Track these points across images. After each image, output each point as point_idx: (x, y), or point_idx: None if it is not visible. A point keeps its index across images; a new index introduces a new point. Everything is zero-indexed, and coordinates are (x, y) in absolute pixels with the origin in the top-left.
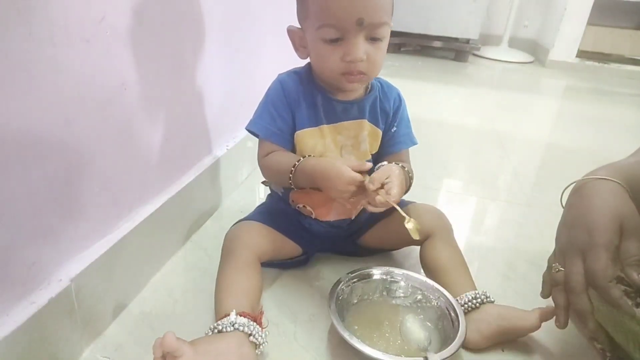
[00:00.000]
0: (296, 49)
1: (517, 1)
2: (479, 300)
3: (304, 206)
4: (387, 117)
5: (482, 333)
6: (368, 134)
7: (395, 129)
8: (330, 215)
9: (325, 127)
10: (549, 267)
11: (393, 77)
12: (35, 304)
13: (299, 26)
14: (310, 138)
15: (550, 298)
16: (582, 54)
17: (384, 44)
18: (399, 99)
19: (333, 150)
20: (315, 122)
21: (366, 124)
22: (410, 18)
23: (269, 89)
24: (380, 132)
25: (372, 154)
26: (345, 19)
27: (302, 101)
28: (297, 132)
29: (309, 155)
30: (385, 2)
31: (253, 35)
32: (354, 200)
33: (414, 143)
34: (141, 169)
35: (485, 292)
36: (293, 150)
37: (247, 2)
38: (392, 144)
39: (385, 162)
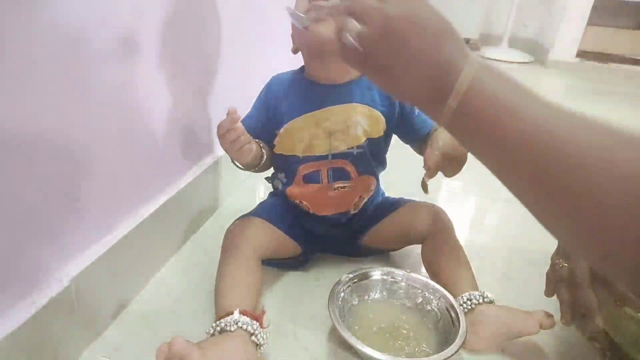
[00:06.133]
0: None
1: (517, 1)
2: (478, 300)
3: (300, 201)
4: (391, 98)
5: (480, 334)
6: (363, 117)
7: (417, 110)
8: (327, 209)
9: (310, 114)
10: (552, 265)
11: None
12: (36, 304)
13: None
14: (296, 128)
15: (551, 298)
16: (582, 54)
17: None
18: None
19: (320, 137)
20: (300, 112)
21: (358, 107)
22: None
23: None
24: (380, 114)
25: (372, 138)
26: None
27: (286, 95)
28: (285, 126)
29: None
30: None
31: (254, 35)
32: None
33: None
34: (141, 169)
35: (484, 292)
36: (270, 143)
37: (249, 2)
38: (422, 122)
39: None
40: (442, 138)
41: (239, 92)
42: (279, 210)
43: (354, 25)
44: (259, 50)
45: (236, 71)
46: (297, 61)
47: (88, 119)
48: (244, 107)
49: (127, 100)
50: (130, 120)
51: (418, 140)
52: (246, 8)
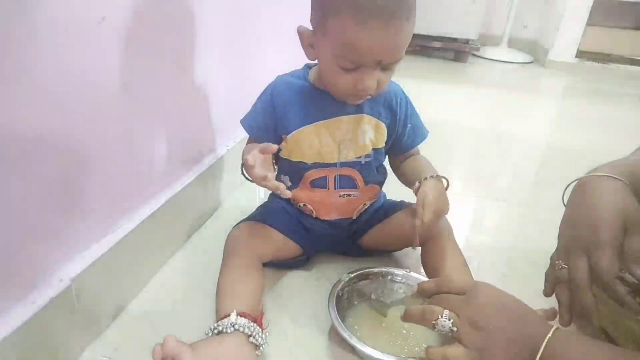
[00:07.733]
0: (304, 49)
1: (517, 1)
2: None
3: (304, 205)
4: (394, 111)
5: None
6: (370, 128)
7: (409, 125)
8: (331, 214)
9: (321, 123)
10: (552, 265)
11: (393, 77)
12: (36, 304)
13: (311, 27)
14: (306, 136)
15: (549, 298)
16: (582, 54)
17: (394, 69)
18: (403, 94)
19: (330, 145)
20: (310, 120)
21: (366, 118)
22: None
23: (264, 89)
24: (384, 126)
25: (376, 148)
26: (365, 59)
27: (295, 102)
28: (292, 132)
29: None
30: (405, 41)
31: (254, 36)
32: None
33: (426, 134)
34: (142, 169)
35: None
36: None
37: (249, 3)
38: (410, 140)
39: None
40: (429, 193)
41: (238, 92)
42: (280, 212)
43: (447, 323)
44: (259, 51)
45: (236, 72)
46: (296, 62)
47: (88, 119)
48: (244, 108)
49: (127, 100)
50: (130, 120)
51: (408, 150)
52: (245, 9)
